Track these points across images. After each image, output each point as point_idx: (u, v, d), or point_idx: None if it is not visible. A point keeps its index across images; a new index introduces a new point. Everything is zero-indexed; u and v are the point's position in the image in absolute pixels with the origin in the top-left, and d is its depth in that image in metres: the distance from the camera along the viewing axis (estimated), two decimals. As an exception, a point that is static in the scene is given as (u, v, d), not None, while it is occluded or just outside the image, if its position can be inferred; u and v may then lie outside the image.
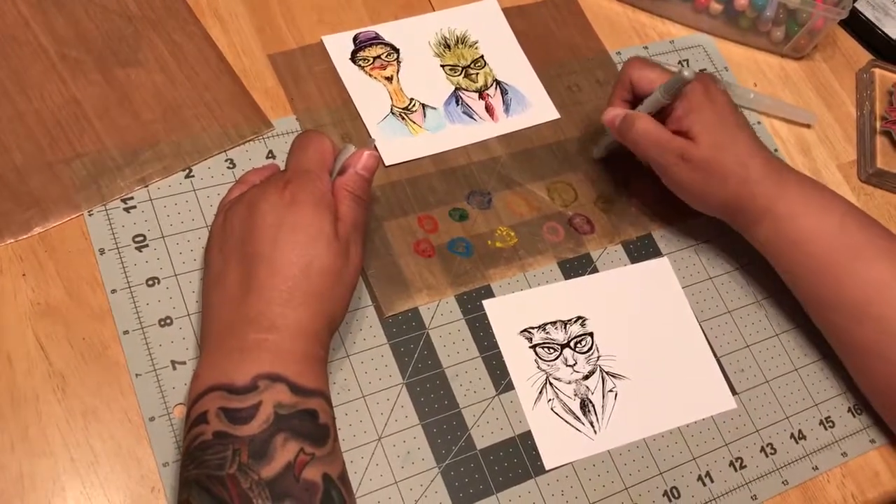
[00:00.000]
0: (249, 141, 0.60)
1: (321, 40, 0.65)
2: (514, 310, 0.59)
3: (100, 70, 0.59)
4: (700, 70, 0.73)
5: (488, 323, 0.58)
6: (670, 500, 0.55)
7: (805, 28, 0.74)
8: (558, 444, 0.55)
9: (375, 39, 0.67)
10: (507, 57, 0.70)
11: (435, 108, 0.65)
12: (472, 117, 0.66)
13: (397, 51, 0.67)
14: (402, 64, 0.67)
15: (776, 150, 0.72)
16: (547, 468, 0.54)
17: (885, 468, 0.60)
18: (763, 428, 0.60)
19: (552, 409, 0.56)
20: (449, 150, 0.64)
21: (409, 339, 0.56)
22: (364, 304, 0.56)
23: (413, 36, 0.68)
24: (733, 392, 0.60)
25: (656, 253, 0.64)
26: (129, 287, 0.53)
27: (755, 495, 0.57)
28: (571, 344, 0.59)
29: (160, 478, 0.48)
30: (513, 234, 0.62)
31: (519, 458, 0.54)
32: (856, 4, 0.81)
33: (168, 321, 0.52)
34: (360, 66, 0.65)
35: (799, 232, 0.58)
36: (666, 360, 0.60)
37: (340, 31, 0.66)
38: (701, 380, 0.60)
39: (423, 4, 0.70)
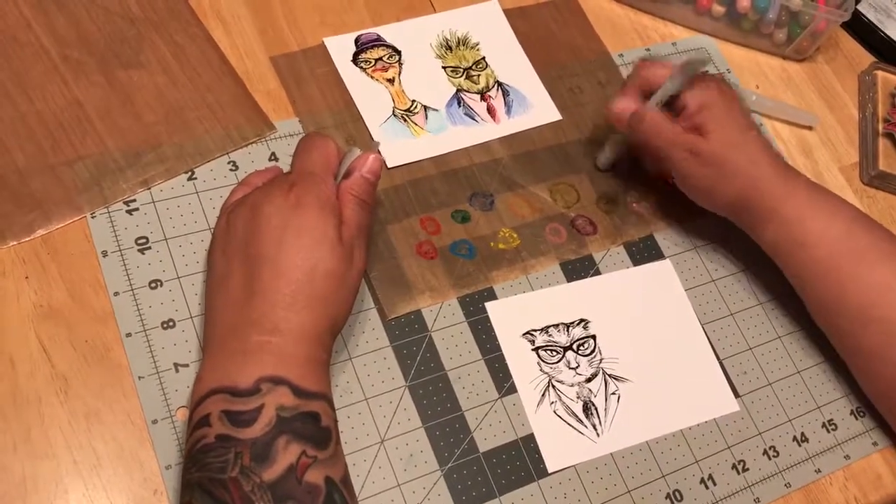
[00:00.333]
0: (252, 143, 0.59)
1: (323, 42, 0.65)
2: (516, 312, 0.59)
3: (102, 72, 0.59)
4: (703, 72, 0.73)
5: (491, 325, 0.58)
6: (673, 503, 0.55)
7: (807, 30, 0.74)
8: (561, 446, 0.55)
9: (377, 41, 0.67)
10: (508, 58, 0.70)
11: (437, 110, 0.65)
12: (473, 119, 0.66)
13: (399, 52, 0.67)
14: (403, 66, 0.67)
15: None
16: (550, 471, 0.54)
17: (887, 471, 0.60)
18: (766, 431, 0.60)
19: (555, 411, 0.56)
20: (451, 151, 0.64)
21: (411, 341, 0.56)
22: (367, 307, 0.56)
23: (415, 38, 0.68)
24: (736, 395, 0.60)
25: (659, 255, 0.64)
26: (132, 289, 0.53)
27: (758, 498, 0.57)
28: (574, 346, 0.58)
29: (163, 480, 0.48)
30: (515, 235, 0.61)
31: (522, 460, 0.54)
32: (858, 6, 0.81)
33: (171, 323, 0.52)
34: (361, 67, 0.65)
35: (806, 234, 0.58)
36: (668, 362, 0.60)
37: (342, 33, 0.66)
38: (703, 382, 0.60)
39: (424, 6, 0.70)
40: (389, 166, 0.61)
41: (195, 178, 0.57)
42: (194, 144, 0.58)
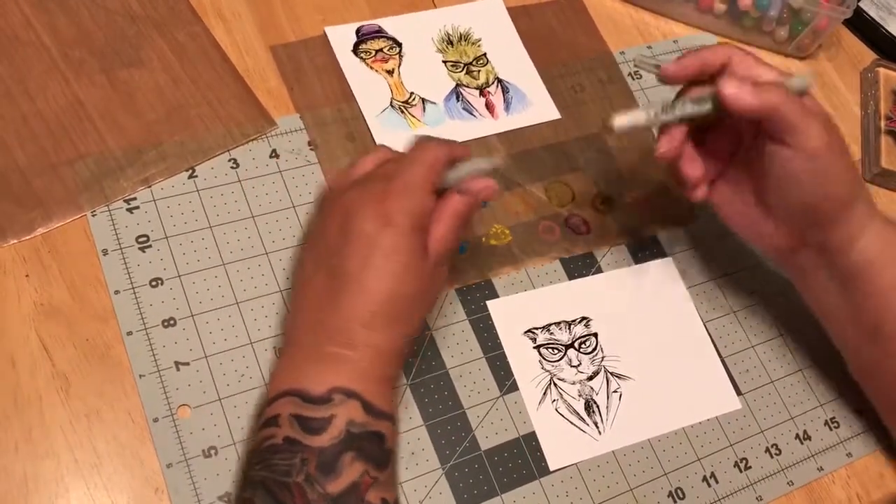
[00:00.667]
0: (253, 140, 0.59)
1: (324, 32, 0.65)
2: (517, 310, 0.59)
3: (103, 70, 0.59)
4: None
5: (492, 323, 0.58)
6: (675, 501, 0.55)
7: (809, 27, 0.74)
8: (563, 444, 0.55)
9: (378, 33, 0.67)
10: (509, 55, 0.69)
11: (435, 103, 0.65)
12: (471, 114, 0.66)
13: (400, 45, 0.67)
14: (403, 58, 0.67)
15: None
16: (551, 469, 0.54)
17: (890, 469, 0.60)
18: (768, 429, 0.60)
19: (556, 409, 0.56)
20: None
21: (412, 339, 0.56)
22: (368, 305, 0.56)
23: (416, 31, 0.68)
24: (738, 392, 0.60)
25: (661, 253, 0.64)
26: (133, 288, 0.52)
27: (760, 496, 0.57)
28: (576, 344, 0.58)
29: (164, 479, 0.48)
30: (507, 231, 0.61)
31: (523, 458, 0.54)
32: (860, 4, 0.80)
33: (171, 322, 0.52)
34: (361, 58, 0.65)
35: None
36: (670, 360, 0.60)
37: (343, 28, 0.66)
38: (706, 380, 0.60)
39: (425, 3, 0.70)
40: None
41: (196, 176, 0.57)
42: (195, 142, 0.58)
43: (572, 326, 0.59)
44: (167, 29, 0.61)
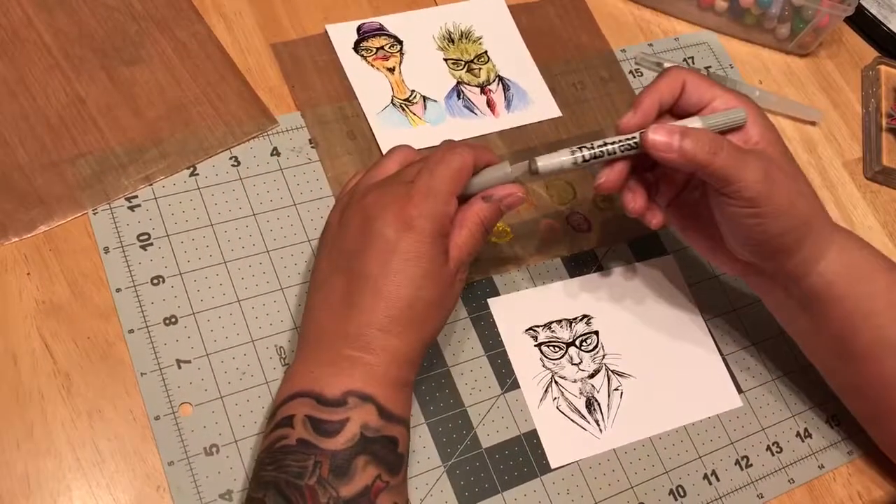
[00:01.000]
0: (254, 138, 0.59)
1: (325, 29, 0.65)
2: (519, 308, 0.59)
3: (104, 68, 0.59)
4: (706, 67, 0.73)
5: (493, 321, 0.58)
6: (676, 499, 0.55)
7: (810, 25, 0.74)
8: (564, 442, 0.55)
9: (380, 30, 0.67)
10: (510, 53, 0.69)
11: (436, 101, 0.65)
12: (472, 111, 0.66)
13: (401, 43, 0.67)
14: (404, 56, 0.66)
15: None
16: (552, 467, 0.54)
17: (891, 467, 0.60)
18: (769, 426, 0.60)
19: (557, 407, 0.56)
20: (443, 141, 0.63)
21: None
22: (369, 303, 0.56)
23: (417, 29, 0.68)
24: (739, 390, 0.60)
25: (662, 251, 0.64)
26: (134, 286, 0.52)
27: (761, 494, 0.57)
28: (577, 342, 0.58)
29: (165, 477, 0.48)
30: (508, 230, 0.61)
31: (524, 456, 0.54)
32: (861, 1, 0.80)
33: (173, 320, 0.52)
34: (362, 55, 0.65)
35: (864, 263, 0.53)
36: (672, 358, 0.60)
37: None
38: (707, 378, 0.60)
39: (426, 0, 0.70)
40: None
41: (197, 174, 0.57)
42: (196, 140, 0.58)
43: (573, 324, 0.59)
44: (168, 27, 0.61)
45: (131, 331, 0.51)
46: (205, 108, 0.59)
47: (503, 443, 0.54)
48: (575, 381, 0.57)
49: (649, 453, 0.56)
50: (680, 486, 0.56)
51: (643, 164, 0.53)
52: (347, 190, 0.52)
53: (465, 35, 0.69)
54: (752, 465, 0.58)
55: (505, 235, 0.61)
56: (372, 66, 0.65)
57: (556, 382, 0.57)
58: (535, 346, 0.58)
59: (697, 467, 0.57)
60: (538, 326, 0.58)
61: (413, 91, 0.65)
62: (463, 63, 0.68)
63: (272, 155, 0.59)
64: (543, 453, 0.54)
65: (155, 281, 0.53)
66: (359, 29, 0.66)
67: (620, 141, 0.50)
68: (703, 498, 0.56)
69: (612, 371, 0.58)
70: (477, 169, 0.50)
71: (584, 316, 0.60)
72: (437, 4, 0.70)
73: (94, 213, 0.54)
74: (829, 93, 0.77)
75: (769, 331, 0.63)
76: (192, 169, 0.57)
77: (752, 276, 0.56)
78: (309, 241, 0.57)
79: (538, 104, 0.67)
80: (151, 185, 0.56)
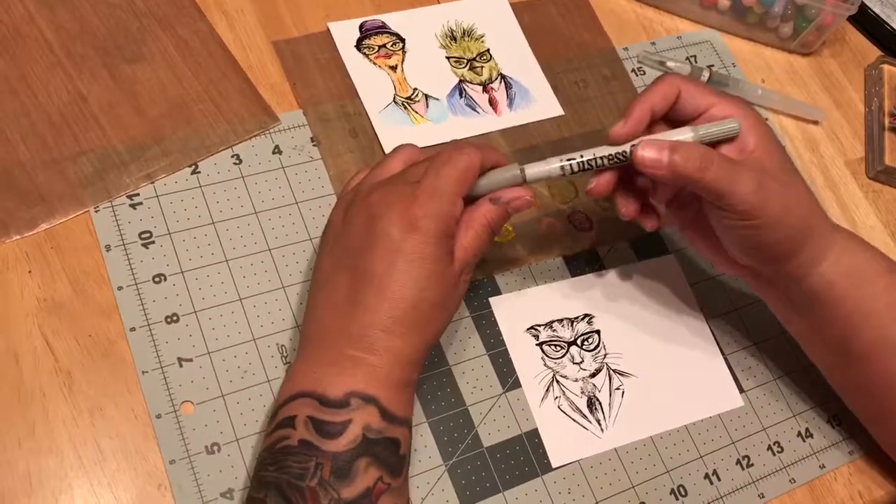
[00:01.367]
0: (256, 136, 0.59)
1: (327, 27, 0.65)
2: (520, 307, 0.58)
3: (105, 66, 0.59)
4: (709, 66, 0.73)
5: (495, 320, 0.57)
6: (677, 499, 0.55)
7: (813, 24, 0.74)
8: (565, 442, 0.55)
9: (382, 28, 0.67)
10: (513, 51, 0.69)
11: (438, 99, 0.65)
12: (474, 110, 0.66)
13: (403, 41, 0.67)
14: (407, 54, 0.66)
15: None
16: (554, 466, 0.54)
17: (892, 467, 0.60)
18: (770, 426, 0.60)
19: (559, 406, 0.56)
20: (450, 141, 0.63)
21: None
22: (370, 302, 0.56)
23: (419, 26, 0.68)
24: (740, 390, 0.60)
25: (663, 250, 0.64)
26: (136, 284, 0.52)
27: (762, 493, 0.57)
28: (578, 341, 0.58)
29: (167, 475, 0.48)
30: (510, 228, 0.61)
31: (526, 456, 0.54)
32: (865, 0, 0.80)
33: (174, 318, 0.52)
34: (364, 54, 0.65)
35: (866, 264, 0.53)
36: (673, 357, 0.60)
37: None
38: (708, 378, 0.60)
39: (429, 1, 0.70)
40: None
41: (199, 172, 0.57)
42: (198, 138, 0.58)
43: (575, 323, 0.59)
44: (170, 24, 0.61)
45: (133, 329, 0.51)
46: (206, 105, 0.59)
47: (504, 442, 0.54)
48: (576, 381, 0.57)
49: (650, 453, 0.56)
50: (681, 485, 0.56)
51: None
52: (351, 188, 0.51)
53: (468, 33, 0.69)
54: (753, 464, 0.58)
55: (507, 234, 0.61)
56: (374, 63, 0.65)
57: (557, 381, 0.57)
58: (537, 345, 0.57)
59: (698, 467, 0.57)
60: (539, 325, 0.58)
61: (415, 89, 0.65)
62: (465, 61, 0.68)
63: (274, 153, 0.59)
64: (544, 452, 0.54)
65: (156, 279, 0.53)
66: (361, 27, 0.66)
67: (609, 155, 0.50)
68: (705, 497, 0.56)
69: (614, 370, 0.58)
70: (484, 170, 0.49)
71: (586, 315, 0.60)
72: (439, 2, 0.70)
73: (96, 211, 0.54)
74: (832, 92, 0.77)
75: (770, 330, 0.63)
76: (193, 167, 0.57)
77: (751, 278, 0.56)
78: (311, 239, 0.57)
79: (540, 102, 0.67)
80: (153, 182, 0.56)
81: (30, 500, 0.46)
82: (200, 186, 0.57)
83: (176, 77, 0.59)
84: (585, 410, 0.56)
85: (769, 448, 0.59)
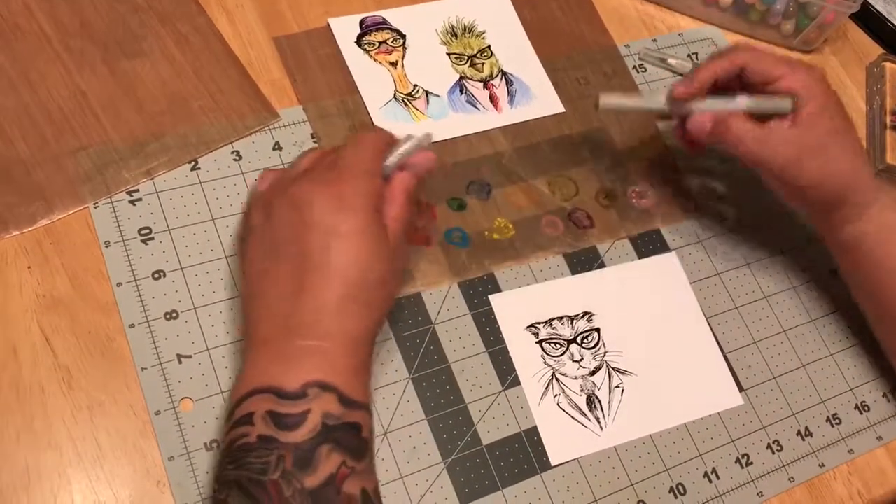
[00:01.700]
0: (256, 132, 0.59)
1: (328, 23, 0.65)
2: (520, 305, 0.58)
3: (105, 61, 0.58)
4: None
5: (495, 318, 0.57)
6: (676, 497, 0.55)
7: (815, 21, 0.73)
8: (564, 439, 0.55)
9: (382, 24, 0.67)
10: (514, 48, 0.69)
11: (438, 96, 0.65)
12: (475, 107, 0.65)
13: (403, 37, 0.67)
14: (407, 50, 0.66)
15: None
16: (553, 464, 0.54)
17: (891, 466, 0.60)
18: (770, 425, 0.60)
19: (558, 404, 0.56)
20: (451, 138, 0.63)
21: (415, 333, 0.56)
22: (370, 299, 0.56)
23: (420, 23, 0.68)
24: (740, 388, 0.60)
25: (664, 248, 0.64)
26: (135, 280, 0.52)
27: (761, 492, 0.57)
28: (578, 339, 0.58)
29: (165, 472, 0.48)
30: (510, 226, 0.61)
31: (525, 453, 0.54)
32: (867, -3, 0.80)
33: (174, 315, 0.52)
34: (365, 49, 0.65)
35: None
36: (673, 356, 0.60)
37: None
38: (708, 376, 0.60)
39: (430, -4, 0.70)
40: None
41: (198, 168, 0.57)
42: (197, 134, 0.58)
43: (575, 321, 0.59)
44: (170, 19, 0.61)
45: (132, 325, 0.51)
46: (206, 101, 0.59)
47: (503, 439, 0.54)
48: (576, 379, 0.57)
49: (650, 451, 0.56)
50: (680, 483, 0.56)
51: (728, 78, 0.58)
52: (259, 192, 0.50)
53: (469, 30, 0.69)
54: (752, 463, 0.58)
55: (507, 231, 0.61)
56: (374, 60, 0.65)
57: (556, 379, 0.57)
58: (537, 342, 0.57)
59: (698, 465, 0.57)
60: (539, 323, 0.58)
61: (416, 86, 0.65)
62: (466, 58, 0.67)
63: (274, 149, 0.59)
64: (544, 450, 0.54)
65: (156, 275, 0.53)
66: (361, 23, 0.66)
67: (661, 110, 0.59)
68: (704, 496, 0.56)
69: (613, 368, 0.58)
70: (389, 149, 0.50)
71: (586, 313, 0.59)
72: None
73: (95, 207, 0.54)
74: (834, 89, 0.76)
75: (770, 329, 0.63)
76: (193, 163, 0.57)
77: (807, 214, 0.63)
78: (310, 236, 0.57)
79: (541, 99, 0.67)
80: (153, 178, 0.56)
81: (28, 495, 0.46)
82: (200, 182, 0.57)
83: (176, 72, 0.59)
84: (585, 408, 0.56)
85: (768, 447, 0.59)
